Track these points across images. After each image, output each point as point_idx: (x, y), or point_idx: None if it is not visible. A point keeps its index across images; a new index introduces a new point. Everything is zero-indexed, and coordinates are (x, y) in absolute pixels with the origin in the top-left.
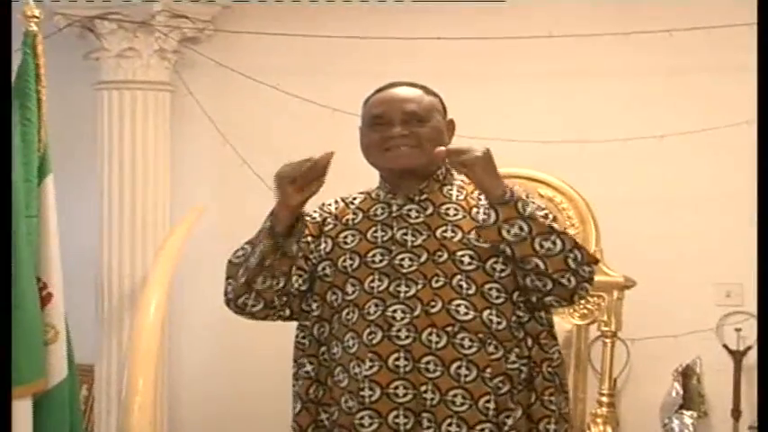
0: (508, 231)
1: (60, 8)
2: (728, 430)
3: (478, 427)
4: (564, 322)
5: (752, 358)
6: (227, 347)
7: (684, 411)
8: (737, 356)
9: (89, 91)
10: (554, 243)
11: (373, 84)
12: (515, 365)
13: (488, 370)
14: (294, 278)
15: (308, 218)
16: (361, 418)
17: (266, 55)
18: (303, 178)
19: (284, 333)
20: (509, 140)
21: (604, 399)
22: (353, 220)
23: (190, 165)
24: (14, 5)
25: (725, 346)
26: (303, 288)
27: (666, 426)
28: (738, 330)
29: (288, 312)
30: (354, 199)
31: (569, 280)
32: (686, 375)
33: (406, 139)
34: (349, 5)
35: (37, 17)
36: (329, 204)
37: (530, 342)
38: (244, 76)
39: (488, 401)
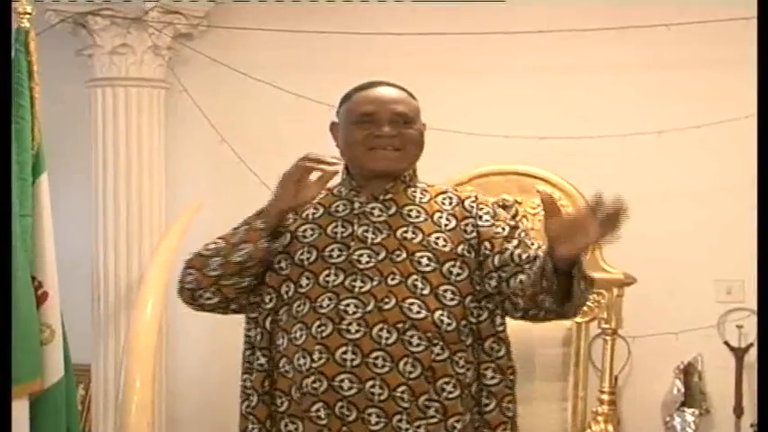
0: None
1: (52, 4)
2: (731, 428)
3: (416, 424)
4: (564, 320)
5: (753, 355)
6: (224, 346)
7: (686, 409)
8: (739, 353)
9: (82, 88)
10: (586, 289)
11: (370, 79)
12: (463, 370)
13: (431, 369)
14: None
15: None
16: (317, 410)
17: (261, 51)
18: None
19: None
20: (505, 136)
21: (605, 397)
22: (314, 214)
23: (185, 162)
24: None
25: (726, 343)
26: (255, 282)
27: (668, 423)
28: (740, 327)
29: (235, 306)
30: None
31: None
32: (687, 373)
33: (394, 139)
34: (343, 1)
35: (29, 13)
36: None
37: (503, 351)
38: (239, 73)
39: (427, 400)
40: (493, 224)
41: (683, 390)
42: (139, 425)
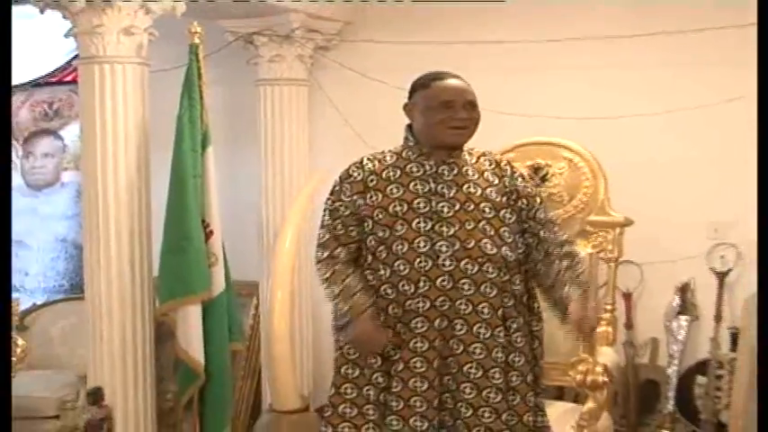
0: None
1: (229, 27)
2: (711, 329)
3: (497, 330)
4: (581, 250)
5: (732, 277)
6: None
7: (681, 316)
8: (721, 276)
9: (251, 87)
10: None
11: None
12: (518, 286)
13: (500, 289)
14: (354, 231)
15: (349, 178)
16: (417, 322)
17: (381, 58)
18: None
19: None
20: (555, 117)
21: (608, 306)
22: (394, 175)
23: (322, 142)
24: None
25: (712, 269)
26: (360, 237)
27: (668, 327)
28: (722, 257)
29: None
30: (384, 158)
31: None
32: (683, 290)
33: (466, 121)
34: (449, 12)
35: (199, 32)
36: (365, 164)
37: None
38: (361, 75)
39: (500, 310)
40: (525, 185)
41: (679, 302)
42: (281, 326)
